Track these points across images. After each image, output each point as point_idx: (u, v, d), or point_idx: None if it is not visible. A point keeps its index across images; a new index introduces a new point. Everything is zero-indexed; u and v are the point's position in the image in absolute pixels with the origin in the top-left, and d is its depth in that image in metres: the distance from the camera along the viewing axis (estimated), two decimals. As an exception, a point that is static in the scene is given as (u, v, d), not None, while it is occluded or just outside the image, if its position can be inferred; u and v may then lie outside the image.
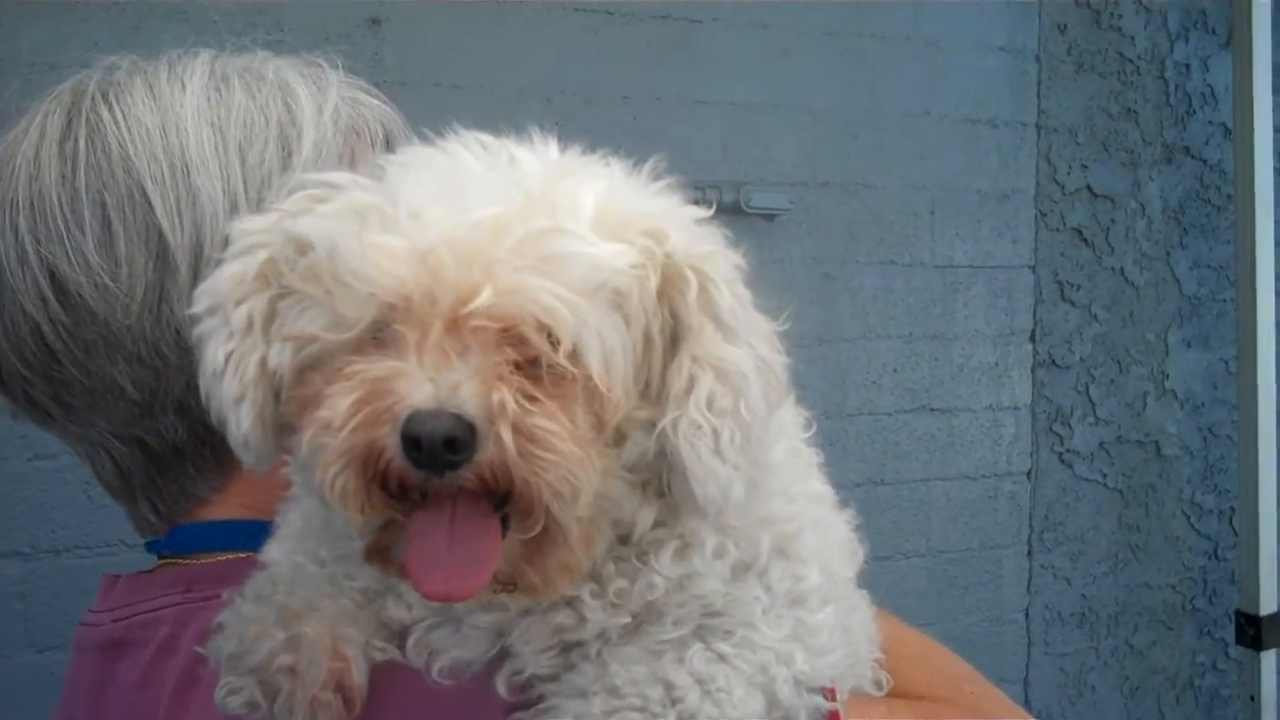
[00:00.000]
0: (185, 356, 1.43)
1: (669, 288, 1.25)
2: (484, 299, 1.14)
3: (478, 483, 1.16)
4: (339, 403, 1.17)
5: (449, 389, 1.14)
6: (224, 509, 1.63)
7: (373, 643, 1.33)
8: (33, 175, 1.51)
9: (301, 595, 1.34)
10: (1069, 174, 5.00)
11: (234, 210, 1.50)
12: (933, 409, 4.83)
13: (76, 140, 1.51)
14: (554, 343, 1.17)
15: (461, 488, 1.17)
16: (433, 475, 1.15)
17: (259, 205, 1.48)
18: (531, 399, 1.16)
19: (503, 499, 1.19)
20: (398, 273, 1.16)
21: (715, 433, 1.23)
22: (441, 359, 1.15)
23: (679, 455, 1.24)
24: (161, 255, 1.49)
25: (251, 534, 1.49)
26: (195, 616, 1.45)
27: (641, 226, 1.25)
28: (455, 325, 1.16)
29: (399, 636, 1.34)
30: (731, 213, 4.20)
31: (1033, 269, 4.98)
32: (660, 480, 1.28)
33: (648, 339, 1.25)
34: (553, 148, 1.32)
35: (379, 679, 1.31)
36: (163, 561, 1.64)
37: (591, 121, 4.02)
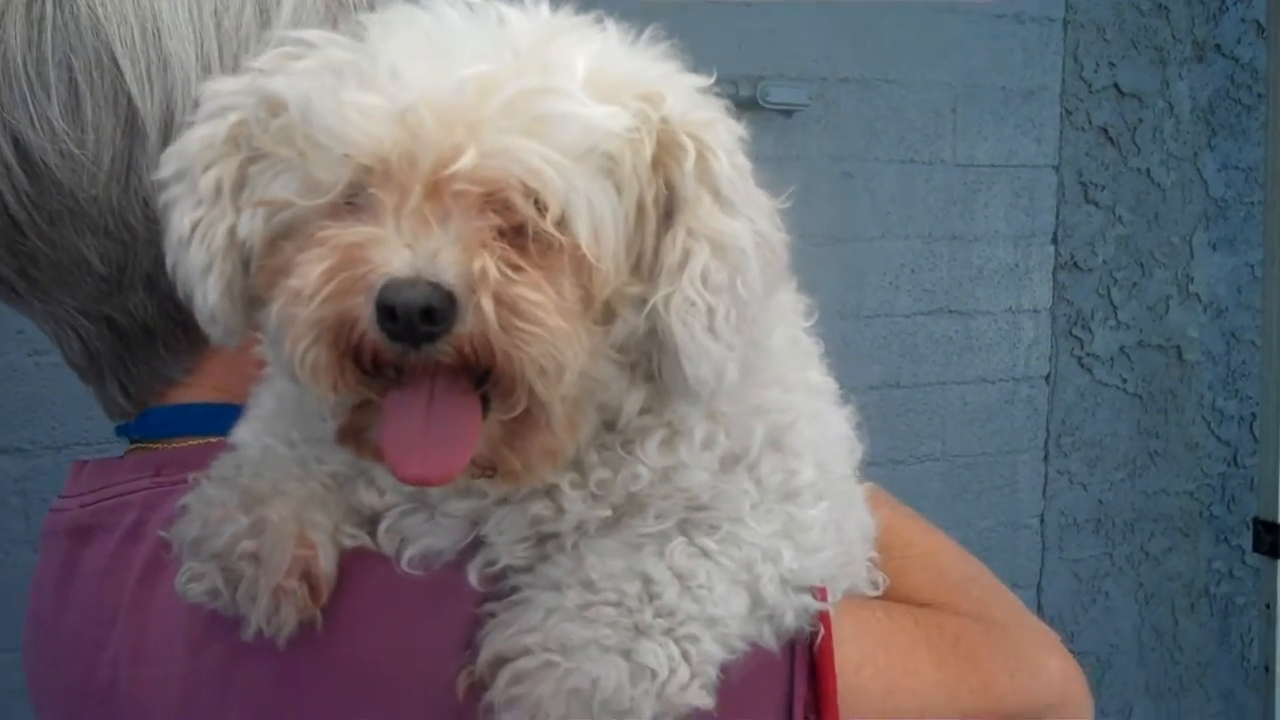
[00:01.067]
0: (154, 229, 1.37)
1: (664, 155, 1.19)
2: (466, 160, 1.08)
3: (456, 357, 1.10)
4: (310, 270, 1.11)
5: (427, 256, 1.08)
6: (196, 391, 1.58)
7: (342, 529, 1.28)
8: None
9: (268, 478, 1.30)
10: (1096, 71, 4.89)
11: (207, 76, 1.43)
12: (951, 311, 4.78)
13: (44, 3, 1.45)
14: (541, 208, 1.11)
15: (439, 364, 1.12)
16: (409, 348, 1.09)
17: (234, 72, 1.40)
18: (516, 268, 1.11)
19: (483, 377, 1.14)
20: (375, 132, 1.10)
21: (710, 310, 1.18)
22: (420, 224, 1.09)
23: (671, 333, 1.18)
24: (130, 122, 1.44)
25: (224, 418, 1.44)
26: (163, 502, 1.41)
27: (637, 90, 1.18)
28: (436, 189, 1.10)
29: (370, 523, 1.30)
30: (748, 108, 4.12)
31: (1056, 169, 4.89)
32: (650, 362, 1.23)
33: (641, 209, 1.19)
34: (544, 8, 1.25)
35: (347, 567, 1.27)
36: (133, 446, 1.60)
37: (604, 16, 3.91)
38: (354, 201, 1.14)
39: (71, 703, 1.48)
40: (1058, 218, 4.91)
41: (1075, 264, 4.96)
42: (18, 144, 1.44)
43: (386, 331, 1.09)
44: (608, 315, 1.19)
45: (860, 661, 1.40)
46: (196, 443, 1.53)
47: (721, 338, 1.19)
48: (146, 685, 1.36)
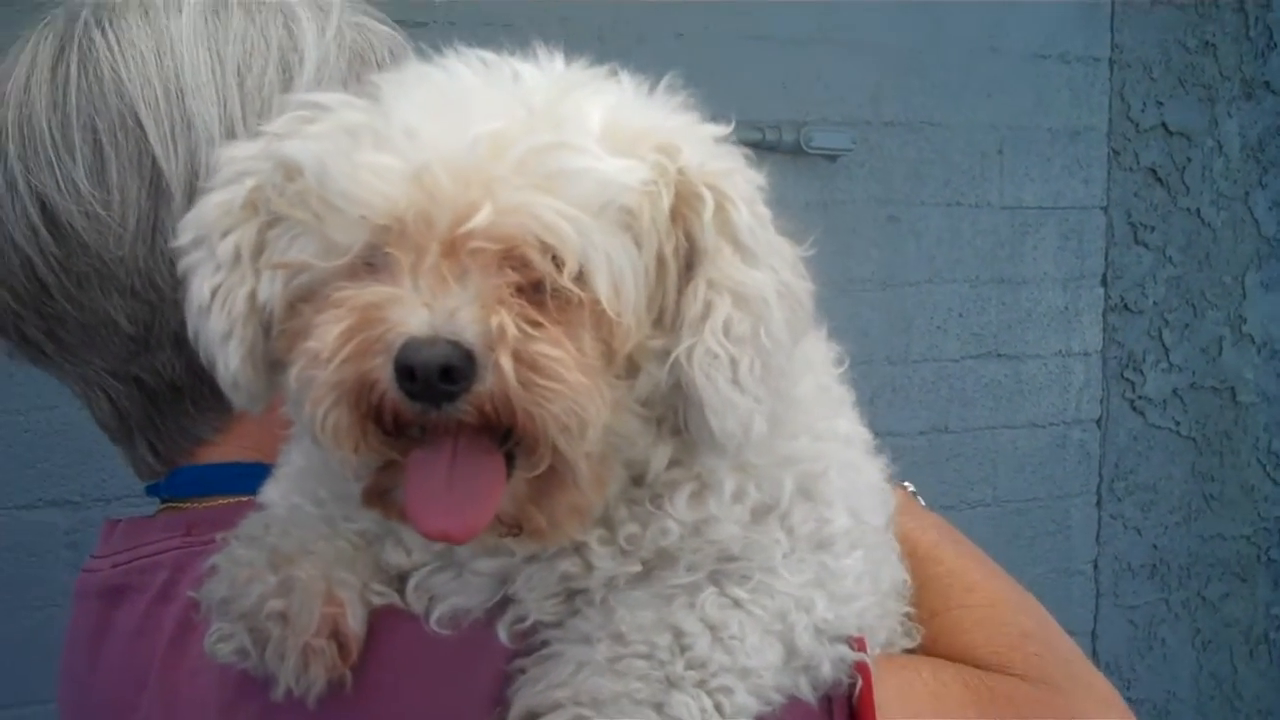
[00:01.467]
0: (181, 289, 1.35)
1: (683, 207, 1.18)
2: (482, 218, 1.08)
3: (478, 416, 1.10)
4: (328, 332, 1.11)
5: (445, 315, 1.08)
6: (226, 450, 1.58)
7: (370, 587, 1.28)
8: (23, 101, 1.47)
9: (296, 537, 1.29)
10: (1143, 111, 4.86)
11: (231, 135, 1.44)
12: (1000, 355, 4.74)
13: (68, 65, 1.47)
14: (558, 264, 1.10)
15: (461, 423, 1.10)
16: (429, 408, 1.09)
17: (258, 132, 1.40)
18: (534, 324, 1.10)
19: (506, 435, 1.13)
20: (390, 193, 1.10)
21: (733, 361, 1.17)
22: (438, 283, 1.09)
23: (695, 386, 1.17)
24: (155, 183, 1.45)
25: (254, 477, 1.43)
26: (193, 562, 1.40)
27: (653, 142, 1.18)
28: (453, 248, 1.09)
29: (398, 581, 1.29)
30: (792, 153, 4.11)
31: (1105, 210, 4.86)
32: (676, 416, 1.22)
33: (661, 262, 1.18)
34: (558, 62, 1.25)
35: (376, 625, 1.26)
36: (163, 505, 1.60)
37: (645, 59, 3.91)
38: (371, 262, 1.14)
39: None
40: (1107, 259, 4.87)
41: (1126, 306, 4.92)
42: (44, 207, 1.45)
43: (406, 391, 1.08)
44: (631, 369, 1.18)
45: None
46: (227, 501, 1.53)
47: (746, 389, 1.18)
48: None
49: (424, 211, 1.10)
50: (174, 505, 1.58)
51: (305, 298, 1.19)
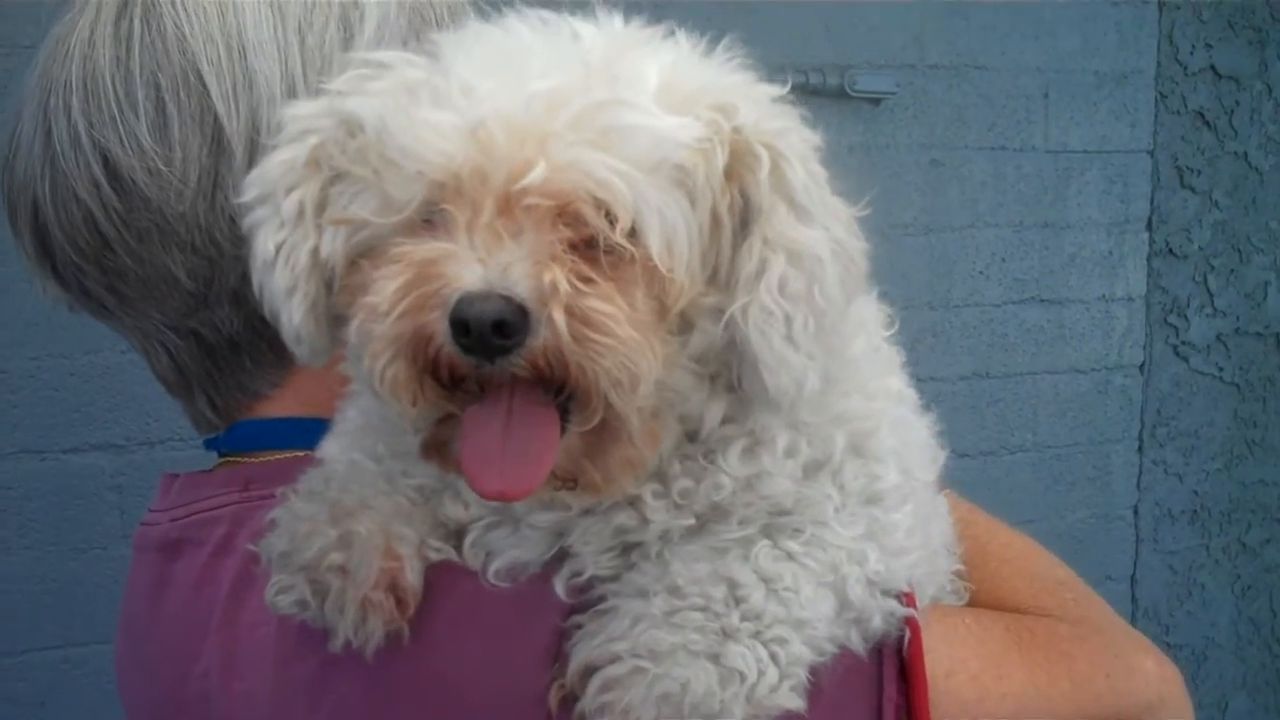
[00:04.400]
0: (240, 245, 1.38)
1: (738, 165, 1.19)
2: (537, 175, 1.09)
3: (531, 370, 1.11)
4: (386, 287, 1.13)
5: (499, 270, 1.09)
6: (284, 405, 1.60)
7: (428, 542, 1.29)
8: (86, 56, 1.48)
9: (355, 492, 1.31)
10: (1192, 53, 4.81)
11: (292, 94, 1.45)
12: (1042, 300, 4.72)
13: (131, 20, 1.47)
14: (611, 220, 1.11)
15: (516, 377, 1.12)
16: (483, 362, 1.10)
17: (318, 89, 1.42)
18: (587, 280, 1.11)
19: (560, 389, 1.14)
20: (447, 149, 1.12)
21: (788, 319, 1.18)
22: (493, 239, 1.10)
23: (749, 343, 1.18)
24: (216, 140, 1.46)
25: (311, 432, 1.46)
26: (252, 516, 1.43)
27: (709, 100, 1.18)
28: (508, 204, 1.11)
29: (455, 536, 1.31)
30: (836, 97, 4.09)
31: (1151, 154, 4.81)
32: (730, 373, 1.23)
33: (716, 220, 1.19)
34: (617, 21, 1.25)
35: (433, 579, 1.28)
36: (221, 460, 1.62)
37: (688, 3, 3.90)
38: (430, 219, 1.15)
39: (162, 712, 1.50)
40: (1152, 204, 4.83)
41: (1170, 251, 4.88)
42: (107, 162, 1.46)
43: (461, 346, 1.09)
44: (684, 326, 1.19)
45: (950, 667, 1.39)
46: (284, 456, 1.54)
47: (800, 347, 1.18)
48: (237, 698, 1.37)
49: (479, 168, 1.11)
50: (231, 459, 1.59)
51: (365, 253, 1.20)
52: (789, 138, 1.20)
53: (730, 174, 1.18)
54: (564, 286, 1.09)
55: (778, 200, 1.18)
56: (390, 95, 1.18)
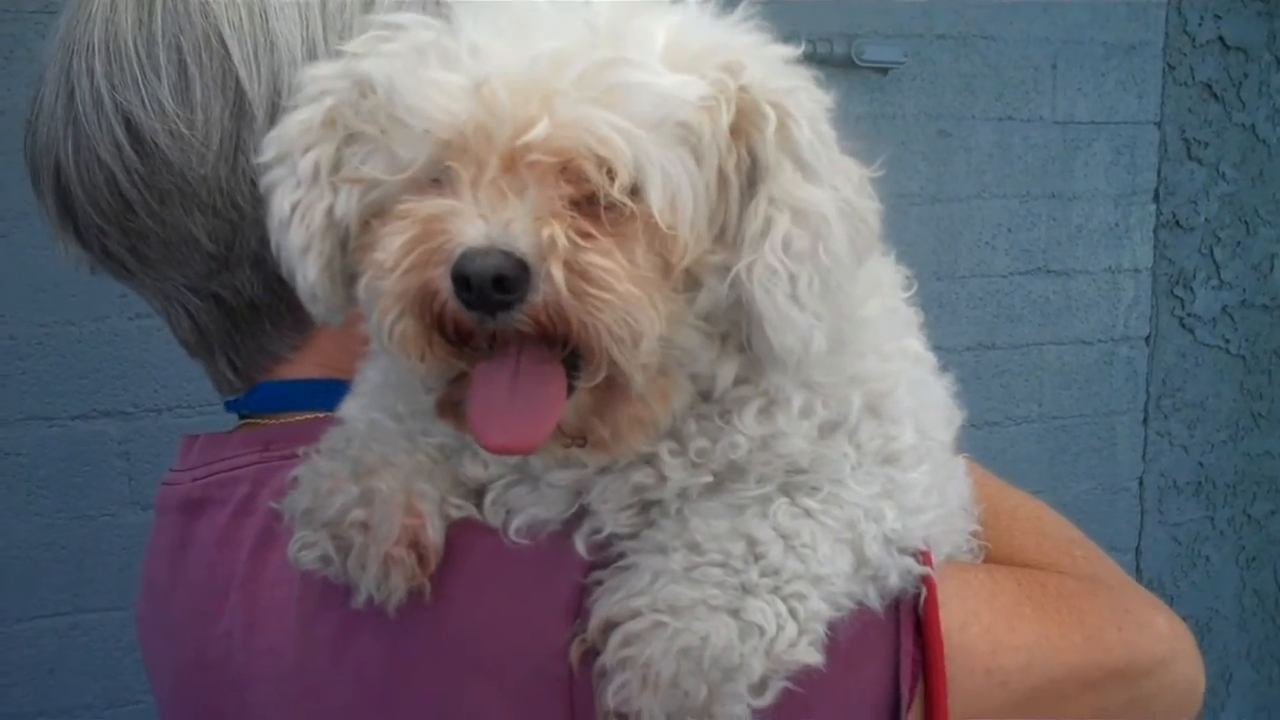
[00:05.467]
0: (261, 208, 1.39)
1: (745, 124, 1.19)
2: (539, 131, 1.10)
3: (533, 325, 1.12)
4: (392, 243, 1.15)
5: (501, 226, 1.10)
6: (303, 367, 1.61)
7: (449, 499, 1.31)
8: (109, 19, 1.48)
9: (377, 450, 1.32)
10: (1200, 25, 4.79)
11: (312, 58, 1.46)
12: (1049, 270, 4.72)
13: None
14: (612, 177, 1.12)
15: (521, 333, 1.13)
16: (486, 317, 1.12)
17: (337, 51, 1.43)
18: (586, 235, 1.12)
19: (565, 345, 1.15)
20: (452, 108, 1.13)
21: (792, 277, 1.18)
22: (496, 196, 1.12)
23: (754, 302, 1.19)
24: (238, 103, 1.47)
25: (331, 393, 1.47)
26: (273, 476, 1.44)
27: (717, 59, 1.18)
28: (512, 161, 1.12)
29: (476, 494, 1.32)
30: (843, 66, 4.09)
31: (1158, 125, 4.80)
32: (741, 333, 1.24)
33: (723, 178, 1.19)
34: None
35: (454, 537, 1.29)
36: (242, 421, 1.63)
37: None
38: (437, 177, 1.16)
39: (186, 672, 1.51)
40: (1159, 175, 4.83)
41: (1177, 222, 4.88)
42: (129, 124, 1.47)
43: (464, 301, 1.11)
44: (691, 284, 1.20)
45: (964, 620, 1.40)
46: (304, 418, 1.56)
47: (806, 305, 1.19)
48: (260, 656, 1.38)
49: (483, 126, 1.12)
50: (252, 420, 1.61)
51: (377, 213, 1.22)
52: (797, 96, 1.21)
53: (737, 132, 1.19)
54: (562, 242, 1.10)
55: (784, 158, 1.19)
56: (401, 56, 1.19)
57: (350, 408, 1.41)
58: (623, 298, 1.12)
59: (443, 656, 1.27)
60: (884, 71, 4.25)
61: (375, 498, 1.26)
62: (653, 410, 1.22)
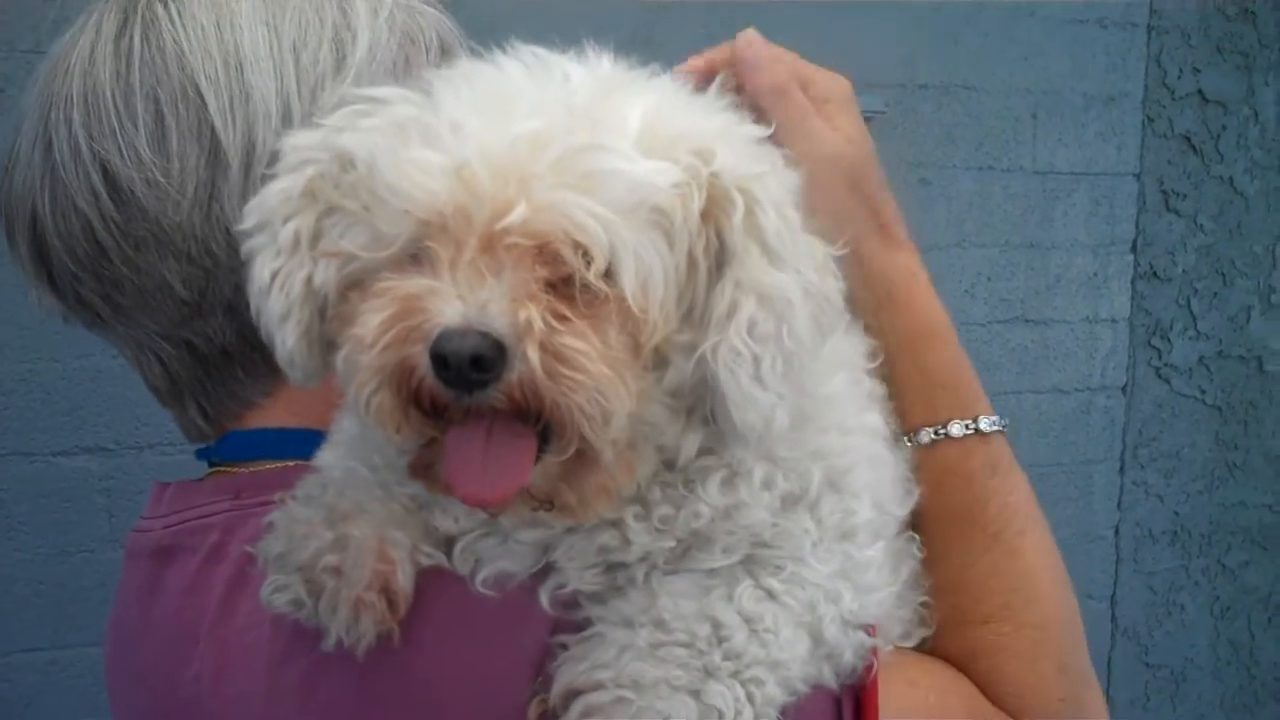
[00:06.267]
0: (235, 256, 1.41)
1: (714, 209, 1.22)
2: (517, 215, 1.13)
3: (509, 403, 1.15)
4: (371, 320, 1.17)
5: (478, 307, 1.13)
6: (275, 414, 1.63)
7: (420, 547, 1.33)
8: (87, 71, 1.51)
9: (351, 497, 1.34)
10: (1180, 78, 4.84)
11: (287, 111, 1.50)
12: (1027, 320, 4.74)
13: (132, 37, 1.51)
14: (588, 261, 1.15)
15: (494, 408, 1.16)
16: (463, 394, 1.14)
17: (312, 107, 1.49)
18: (561, 318, 1.15)
19: (538, 419, 1.18)
20: (432, 188, 1.15)
21: (756, 359, 1.21)
22: (475, 277, 1.14)
23: (718, 381, 1.21)
24: (213, 152, 1.49)
25: (301, 442, 1.50)
26: (243, 524, 1.46)
27: (690, 144, 1.21)
28: (490, 243, 1.14)
29: (446, 544, 1.34)
30: (825, 115, 4.06)
31: (1137, 176, 4.84)
32: (706, 407, 1.26)
33: (692, 261, 1.22)
34: (605, 61, 1.30)
35: (424, 584, 1.31)
36: (212, 469, 1.65)
37: (677, 24, 3.93)
38: (416, 254, 1.19)
39: (152, 715, 1.53)
40: (1138, 226, 4.87)
41: (1155, 273, 4.91)
42: (106, 172, 1.49)
43: (442, 379, 1.14)
44: (659, 361, 1.23)
45: None
46: (274, 466, 1.58)
47: (768, 386, 1.22)
48: (229, 702, 1.40)
49: (463, 207, 1.14)
50: (222, 469, 1.63)
51: (355, 285, 1.24)
52: (765, 182, 1.24)
53: (706, 216, 1.22)
54: (538, 325, 1.13)
55: (750, 244, 1.22)
56: (382, 132, 1.22)
57: (326, 456, 1.43)
58: (595, 378, 1.15)
59: (407, 700, 1.29)
60: (867, 120, 4.21)
61: (349, 544, 1.28)
62: (618, 480, 1.24)
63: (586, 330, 1.16)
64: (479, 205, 1.14)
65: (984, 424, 1.62)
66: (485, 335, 1.12)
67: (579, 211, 1.13)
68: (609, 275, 1.16)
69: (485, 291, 1.13)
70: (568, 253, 1.14)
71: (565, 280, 1.16)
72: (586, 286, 1.16)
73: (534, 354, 1.12)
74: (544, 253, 1.15)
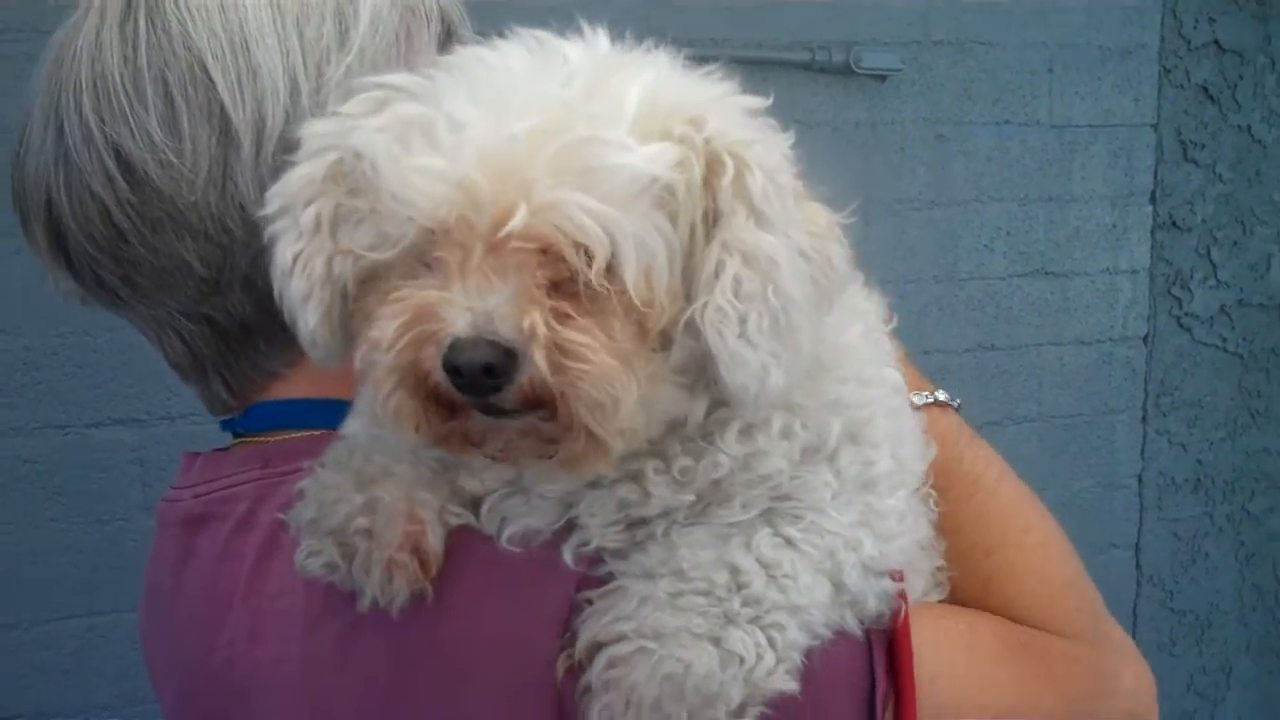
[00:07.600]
0: (250, 232, 1.45)
1: (710, 175, 1.24)
2: (518, 221, 1.15)
3: (521, 401, 1.19)
4: (387, 325, 1.21)
5: (485, 317, 1.16)
6: (296, 386, 1.65)
7: (448, 508, 1.36)
8: (94, 57, 1.52)
9: (379, 461, 1.37)
10: (1195, 28, 4.82)
11: (294, 86, 1.51)
12: (1047, 273, 4.75)
13: (136, 20, 1.52)
14: (590, 259, 1.17)
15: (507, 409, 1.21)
16: (477, 399, 1.19)
17: (319, 81, 1.51)
18: (565, 317, 1.18)
19: (551, 412, 1.22)
20: (434, 196, 1.18)
21: (742, 318, 1.23)
22: (481, 283, 1.17)
23: (708, 342, 1.24)
24: (224, 130, 1.50)
25: (325, 411, 1.53)
26: (272, 492, 1.50)
27: (684, 116, 1.24)
28: (495, 246, 1.17)
29: (473, 504, 1.37)
30: (842, 74, 4.12)
31: (1155, 127, 4.83)
32: (709, 373, 1.28)
33: (693, 229, 1.24)
34: (603, 40, 1.31)
35: (454, 543, 1.34)
36: (238, 440, 1.68)
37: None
38: (424, 258, 1.22)
39: (189, 682, 1.56)
40: (1156, 177, 4.86)
41: (1174, 223, 4.91)
42: (119, 156, 1.51)
43: (456, 385, 1.18)
44: (665, 342, 1.25)
45: (937, 671, 1.43)
46: (299, 436, 1.61)
47: (756, 344, 1.23)
48: (263, 665, 1.44)
49: (465, 216, 1.17)
50: (248, 440, 1.65)
51: (369, 279, 1.28)
52: (754, 147, 1.25)
53: (705, 182, 1.24)
54: (542, 330, 1.16)
55: (738, 205, 1.23)
56: (385, 133, 1.25)
57: (353, 425, 1.45)
58: (600, 368, 1.18)
59: (440, 657, 1.33)
60: (882, 78, 4.27)
61: (378, 506, 1.31)
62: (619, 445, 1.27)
63: (591, 325, 1.19)
64: (480, 212, 1.16)
65: (941, 395, 1.67)
66: (494, 344, 1.15)
67: (578, 211, 1.16)
68: (611, 271, 1.18)
69: (492, 297, 1.17)
70: (569, 253, 1.17)
71: (570, 277, 1.19)
72: (589, 283, 1.18)
73: (540, 355, 1.16)
74: (547, 253, 1.18)
